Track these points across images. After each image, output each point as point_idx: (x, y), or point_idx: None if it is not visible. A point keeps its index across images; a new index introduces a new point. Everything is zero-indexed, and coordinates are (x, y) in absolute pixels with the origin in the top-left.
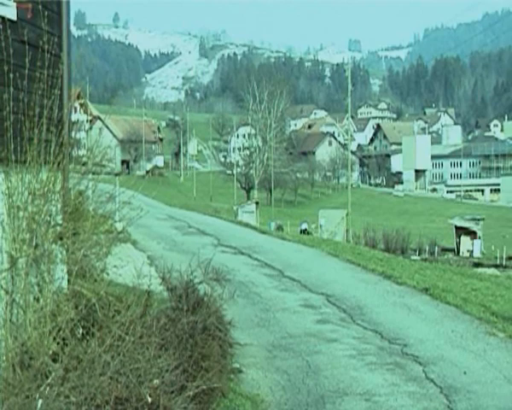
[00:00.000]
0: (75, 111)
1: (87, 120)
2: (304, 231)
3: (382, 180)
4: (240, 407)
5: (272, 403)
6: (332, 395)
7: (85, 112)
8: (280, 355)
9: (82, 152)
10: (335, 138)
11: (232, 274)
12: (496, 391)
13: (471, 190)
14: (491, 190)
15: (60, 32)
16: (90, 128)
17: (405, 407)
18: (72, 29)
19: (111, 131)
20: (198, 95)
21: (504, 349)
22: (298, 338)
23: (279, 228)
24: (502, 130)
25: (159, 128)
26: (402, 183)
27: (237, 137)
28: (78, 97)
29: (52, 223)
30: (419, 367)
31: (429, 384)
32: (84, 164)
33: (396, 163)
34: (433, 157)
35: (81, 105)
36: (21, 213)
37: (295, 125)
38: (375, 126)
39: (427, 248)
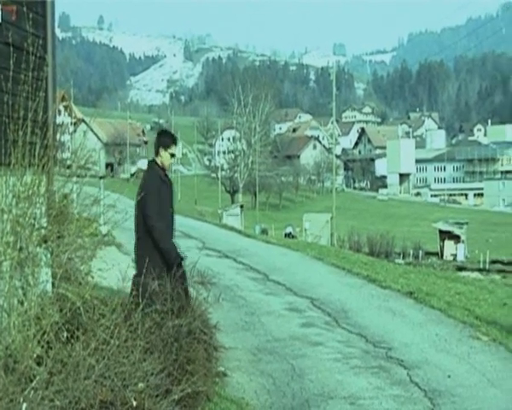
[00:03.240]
0: (60, 114)
1: (71, 123)
2: (289, 235)
3: (367, 184)
4: None
5: (257, 407)
6: (317, 398)
7: (70, 114)
8: (265, 359)
9: (66, 155)
10: (320, 142)
11: (217, 278)
12: (480, 394)
13: (455, 195)
14: (474, 195)
15: (44, 34)
16: (75, 131)
17: None
18: (57, 31)
19: (95, 134)
20: (183, 98)
21: (488, 353)
22: (283, 342)
23: (264, 232)
24: (485, 134)
25: (143, 131)
26: (386, 187)
27: (222, 140)
28: (63, 100)
29: (37, 226)
30: (403, 371)
31: (414, 388)
32: (69, 167)
33: (380, 167)
34: (417, 161)
35: (65, 108)
36: (5, 216)
37: (280, 128)
38: (360, 130)
39: (411, 252)
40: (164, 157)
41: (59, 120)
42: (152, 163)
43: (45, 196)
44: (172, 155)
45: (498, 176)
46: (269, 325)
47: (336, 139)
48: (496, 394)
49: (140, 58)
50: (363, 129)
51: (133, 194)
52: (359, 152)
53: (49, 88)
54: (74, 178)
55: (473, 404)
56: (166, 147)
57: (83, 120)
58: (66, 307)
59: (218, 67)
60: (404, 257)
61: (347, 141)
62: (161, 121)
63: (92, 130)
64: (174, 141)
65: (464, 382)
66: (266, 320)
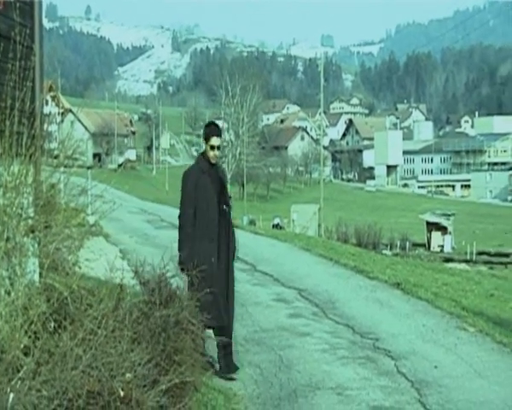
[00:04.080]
0: (47, 103)
1: (59, 113)
2: (276, 226)
3: (354, 175)
4: (212, 401)
5: (245, 397)
6: (304, 389)
7: (57, 104)
8: (252, 349)
9: (54, 145)
10: (308, 133)
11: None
12: (466, 385)
13: (442, 186)
14: (461, 186)
15: (32, 24)
16: (62, 121)
17: (377, 400)
18: (44, 21)
19: (83, 124)
20: (170, 88)
21: (475, 343)
22: (270, 332)
23: (252, 222)
24: (472, 126)
25: (131, 121)
26: (374, 178)
27: None
28: (50, 90)
29: (24, 216)
30: (391, 361)
31: (401, 378)
32: (56, 157)
33: (368, 158)
34: (404, 153)
35: (53, 98)
36: None
37: (268, 119)
38: (348, 121)
39: (398, 244)
40: (206, 150)
41: (46, 109)
42: (199, 156)
43: (32, 185)
44: (212, 148)
45: (485, 167)
46: (256, 316)
47: (324, 130)
48: (482, 384)
49: (128, 48)
50: (350, 120)
51: (121, 184)
52: (347, 143)
53: (36, 78)
54: (62, 169)
55: (459, 394)
56: (206, 139)
57: (70, 110)
58: (53, 297)
59: (206, 57)
60: (391, 248)
61: (335, 132)
62: (149, 112)
63: (80, 120)
64: (212, 133)
65: (451, 372)
66: (254, 311)
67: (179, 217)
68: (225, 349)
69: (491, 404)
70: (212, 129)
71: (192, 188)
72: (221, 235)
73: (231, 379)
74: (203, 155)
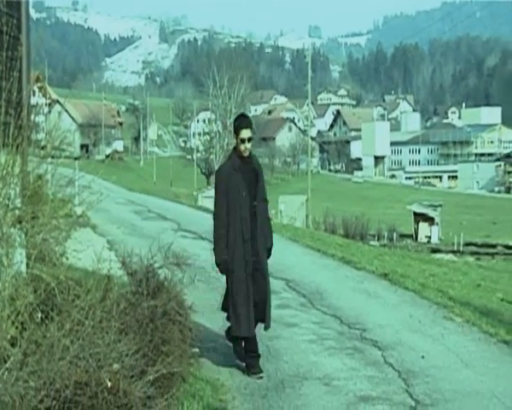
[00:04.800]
0: (34, 94)
1: (46, 104)
2: None
3: (342, 166)
4: (200, 392)
5: (232, 388)
6: (292, 379)
7: (44, 95)
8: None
9: (41, 136)
10: (295, 124)
11: (193, 259)
12: (453, 375)
13: (429, 177)
14: (448, 177)
15: (19, 15)
16: (49, 111)
17: (364, 390)
18: (31, 12)
19: (70, 115)
20: (158, 79)
21: (461, 334)
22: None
23: None
24: (459, 117)
25: (118, 112)
26: (361, 169)
27: (197, 122)
28: (37, 80)
29: (11, 206)
30: (378, 352)
31: (388, 369)
32: (43, 148)
33: (355, 149)
34: (392, 144)
35: (40, 88)
36: None
37: (255, 110)
38: (335, 113)
39: (385, 234)
40: (237, 143)
41: (33, 100)
42: (231, 151)
43: (19, 176)
44: (243, 140)
45: (472, 158)
46: None
47: (311, 121)
48: (469, 374)
49: (115, 39)
50: (338, 111)
51: (108, 175)
52: (334, 134)
53: (23, 68)
54: (49, 159)
55: (446, 384)
56: (236, 133)
57: (57, 101)
58: (40, 287)
59: (194, 48)
60: (378, 239)
61: (323, 123)
62: (136, 103)
63: (67, 111)
64: (241, 125)
65: (438, 363)
66: None
67: (214, 218)
68: (253, 351)
69: (478, 394)
70: (240, 121)
71: (223, 188)
72: (255, 233)
73: (260, 378)
74: (235, 149)
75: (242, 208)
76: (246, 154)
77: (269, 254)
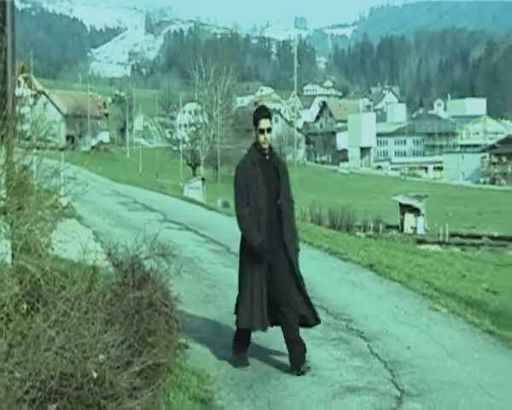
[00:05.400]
0: (19, 85)
1: (31, 95)
2: None
3: (328, 157)
4: (186, 383)
5: (218, 378)
6: (278, 370)
7: (29, 86)
8: (226, 331)
9: (26, 127)
10: (281, 115)
11: (178, 250)
12: (438, 365)
13: (415, 168)
14: (434, 168)
15: (3, 6)
16: (35, 103)
17: (350, 381)
18: (16, 2)
19: (56, 106)
20: (144, 70)
21: (447, 324)
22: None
23: (225, 204)
24: (445, 108)
25: (104, 104)
26: (347, 160)
27: (183, 113)
28: (23, 71)
29: None
30: (364, 342)
31: (374, 359)
32: (29, 139)
33: (341, 140)
34: (377, 135)
35: (25, 79)
36: None
37: (242, 101)
38: (321, 104)
39: (371, 225)
40: (256, 135)
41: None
42: (251, 146)
43: (4, 167)
44: (262, 131)
45: (458, 150)
46: (230, 298)
47: (298, 113)
48: (454, 365)
49: (101, 30)
50: (324, 102)
51: (94, 166)
52: (320, 125)
53: (8, 59)
54: (34, 150)
55: (432, 374)
56: (255, 124)
57: (43, 92)
58: (25, 279)
59: (180, 39)
60: (364, 230)
61: (309, 114)
62: (122, 94)
63: (52, 102)
64: (259, 115)
65: (423, 353)
66: (228, 292)
67: (237, 216)
68: (294, 345)
69: (463, 384)
70: (259, 111)
71: (243, 183)
72: (273, 230)
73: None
74: (255, 144)
75: (260, 202)
76: (265, 145)
77: (294, 257)
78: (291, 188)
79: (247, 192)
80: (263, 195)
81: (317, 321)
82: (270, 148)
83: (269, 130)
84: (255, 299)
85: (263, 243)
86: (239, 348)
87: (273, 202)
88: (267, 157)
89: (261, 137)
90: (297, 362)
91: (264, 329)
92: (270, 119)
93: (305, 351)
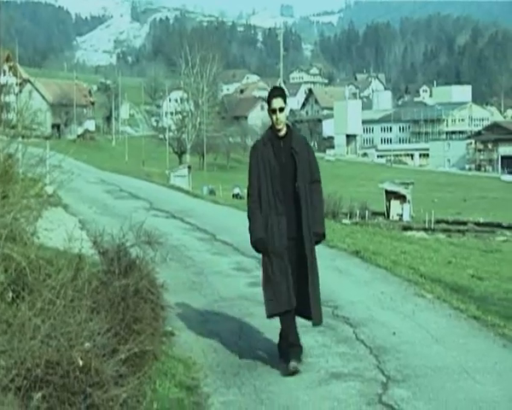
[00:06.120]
0: (4, 74)
1: (17, 83)
2: (236, 196)
3: (314, 145)
4: (172, 370)
5: (205, 365)
6: (264, 357)
7: (15, 75)
8: (212, 318)
9: (11, 115)
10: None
11: (164, 238)
12: (424, 351)
13: (401, 155)
14: (420, 155)
15: None
16: (20, 91)
17: (336, 367)
18: None
19: (41, 95)
20: (130, 59)
21: (432, 310)
22: (231, 301)
23: (212, 192)
24: (431, 95)
25: (90, 92)
26: (333, 147)
27: (169, 101)
28: (8, 60)
29: None
30: (349, 329)
31: (359, 345)
32: (14, 127)
33: (327, 128)
34: (363, 122)
35: (10, 68)
36: None
37: (228, 89)
38: (307, 91)
39: (357, 212)
40: (270, 117)
41: (3, 80)
42: (269, 127)
43: None
44: (274, 111)
45: (443, 136)
46: (216, 285)
47: None
48: (439, 350)
49: (86, 18)
50: (310, 90)
51: (79, 155)
52: (306, 113)
53: None
54: (19, 139)
55: (417, 360)
56: (268, 104)
57: (28, 81)
58: (11, 267)
59: (166, 27)
60: (350, 217)
61: (295, 102)
62: (108, 82)
63: (38, 90)
64: (272, 94)
65: (409, 339)
66: (214, 280)
67: (247, 197)
68: (287, 340)
69: (448, 369)
70: (271, 91)
71: (255, 163)
72: (291, 217)
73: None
74: (271, 127)
75: (274, 181)
76: (279, 126)
77: (318, 241)
78: (317, 169)
79: (259, 174)
80: (275, 173)
81: (319, 321)
82: (289, 127)
83: (281, 109)
84: (289, 282)
85: (262, 238)
86: (287, 352)
87: (290, 184)
88: (282, 137)
89: (274, 117)
90: (289, 358)
91: (291, 306)
92: (284, 98)
93: (301, 352)
